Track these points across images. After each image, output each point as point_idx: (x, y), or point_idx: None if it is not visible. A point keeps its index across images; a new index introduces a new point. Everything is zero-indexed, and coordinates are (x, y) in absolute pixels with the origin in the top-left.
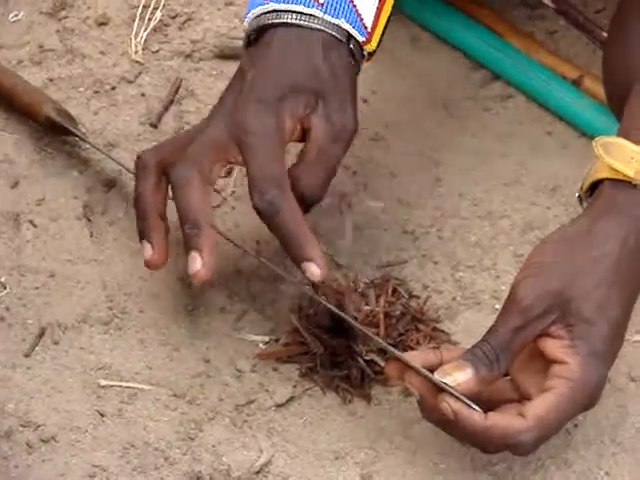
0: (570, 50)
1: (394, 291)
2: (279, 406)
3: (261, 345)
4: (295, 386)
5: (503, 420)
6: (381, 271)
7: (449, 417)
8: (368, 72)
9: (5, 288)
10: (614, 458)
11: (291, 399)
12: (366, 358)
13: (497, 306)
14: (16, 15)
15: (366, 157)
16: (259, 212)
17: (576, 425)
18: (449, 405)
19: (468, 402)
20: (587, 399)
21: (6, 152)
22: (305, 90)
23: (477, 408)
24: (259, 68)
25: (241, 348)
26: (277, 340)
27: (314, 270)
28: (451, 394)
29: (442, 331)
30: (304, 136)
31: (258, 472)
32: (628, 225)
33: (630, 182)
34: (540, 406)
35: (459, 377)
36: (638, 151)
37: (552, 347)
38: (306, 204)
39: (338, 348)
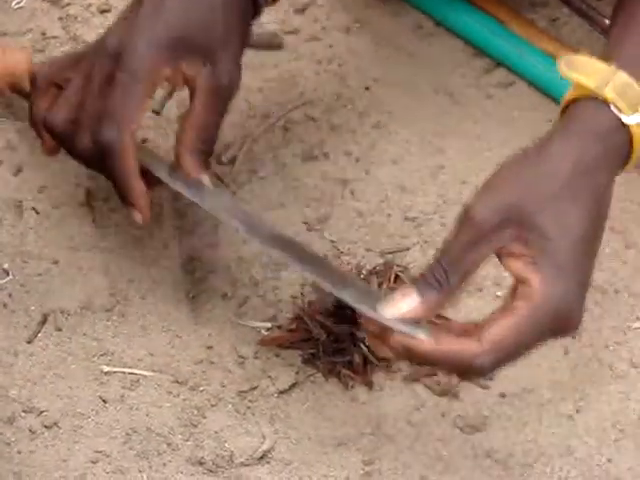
0: (572, 37)
1: (397, 278)
2: (282, 392)
3: (263, 331)
4: (297, 372)
5: (456, 344)
6: (384, 258)
7: (400, 352)
8: (370, 59)
9: (8, 275)
10: (616, 445)
11: (294, 385)
12: (368, 344)
13: (499, 293)
14: (19, 2)
15: (368, 144)
16: (95, 147)
17: (578, 411)
18: (395, 341)
19: (410, 332)
20: (553, 321)
21: (8, 139)
22: (195, 45)
23: (422, 336)
24: (157, 5)
25: (243, 334)
26: (279, 326)
27: (136, 216)
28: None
29: (444, 317)
30: (189, 85)
31: (261, 458)
32: (586, 140)
33: (594, 98)
34: (497, 328)
35: (403, 306)
36: (602, 67)
37: (515, 266)
38: (200, 157)
39: (340, 334)
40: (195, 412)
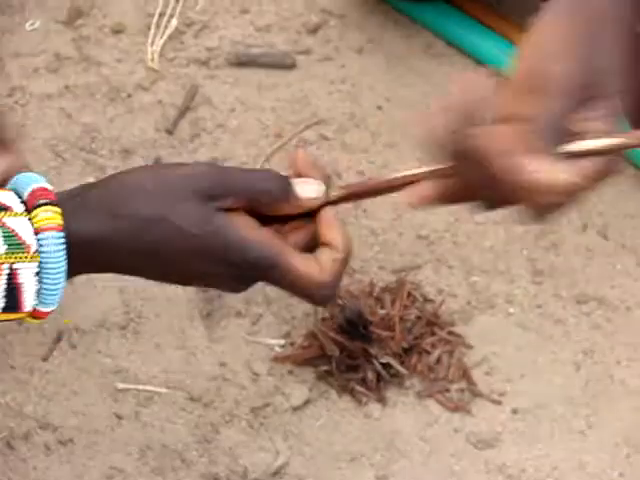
0: None
1: (409, 295)
2: (295, 409)
3: (277, 348)
4: (311, 389)
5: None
6: (396, 275)
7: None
8: (382, 79)
9: None
10: (627, 460)
11: (307, 402)
12: (382, 361)
13: (511, 310)
14: (32, 24)
15: (381, 163)
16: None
17: (590, 427)
18: None
19: None
20: None
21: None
22: None
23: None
24: None
25: (257, 351)
26: (292, 343)
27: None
28: None
29: (457, 335)
30: None
31: (275, 474)
32: None
33: None
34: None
35: None
36: None
37: None
38: None
39: (354, 351)
40: (209, 428)
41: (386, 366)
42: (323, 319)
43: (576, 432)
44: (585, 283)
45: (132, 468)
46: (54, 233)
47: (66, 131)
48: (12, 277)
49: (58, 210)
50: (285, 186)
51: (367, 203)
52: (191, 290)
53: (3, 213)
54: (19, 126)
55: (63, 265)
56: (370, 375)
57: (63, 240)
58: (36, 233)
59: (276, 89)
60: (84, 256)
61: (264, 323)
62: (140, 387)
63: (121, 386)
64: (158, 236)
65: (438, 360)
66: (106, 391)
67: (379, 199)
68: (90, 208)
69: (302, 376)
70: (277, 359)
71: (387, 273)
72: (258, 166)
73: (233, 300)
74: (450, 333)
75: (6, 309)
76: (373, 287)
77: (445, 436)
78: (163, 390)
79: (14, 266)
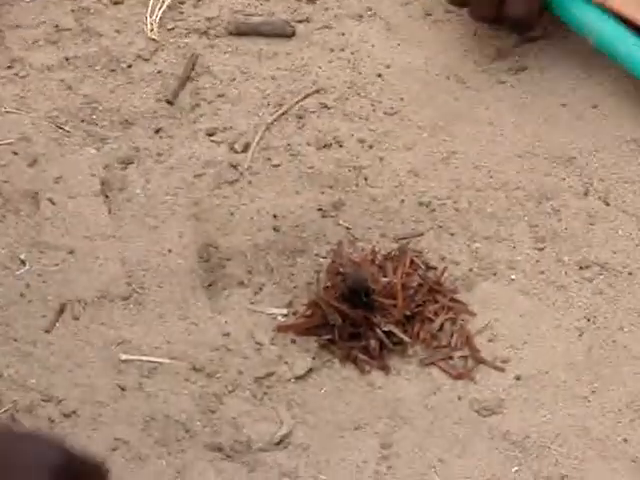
0: None
1: (411, 263)
2: (298, 378)
3: (279, 318)
4: (314, 358)
5: None
6: (398, 243)
7: None
8: (382, 46)
9: (25, 265)
10: (631, 425)
11: (310, 371)
12: (384, 329)
13: (513, 276)
14: None
15: (381, 131)
16: None
17: (593, 392)
18: None
19: None
20: None
21: (23, 131)
22: None
23: None
24: None
25: (260, 321)
26: (295, 313)
27: None
28: None
29: (460, 302)
30: None
31: (278, 443)
32: None
33: None
34: None
35: None
36: None
37: None
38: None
39: (356, 319)
40: (213, 399)
41: (389, 334)
42: (325, 288)
43: (579, 398)
44: (587, 249)
45: (136, 439)
46: None
47: (66, 102)
48: None
49: None
50: None
51: (367, 171)
52: (193, 260)
53: None
54: (19, 98)
55: None
56: (373, 343)
57: None
58: None
59: (276, 58)
60: None
61: (266, 292)
62: (143, 358)
63: (124, 357)
64: None
65: (441, 327)
66: (109, 363)
67: (380, 167)
68: None
69: (305, 345)
70: (280, 328)
71: (389, 241)
72: (259, 135)
73: (235, 270)
74: (453, 300)
75: None
76: (375, 255)
77: (448, 403)
78: (166, 361)
79: None
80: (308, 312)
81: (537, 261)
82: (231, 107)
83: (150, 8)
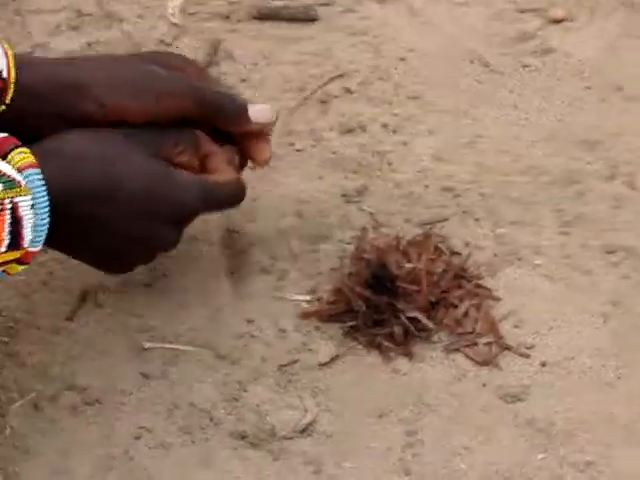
0: None
1: (436, 248)
2: (322, 365)
3: (303, 304)
4: (338, 345)
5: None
6: (422, 228)
7: None
8: (405, 30)
9: (47, 252)
10: None
11: (334, 358)
12: (409, 315)
13: (538, 262)
14: None
15: (405, 115)
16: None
17: (619, 378)
18: None
19: None
20: None
21: None
22: None
23: None
24: None
25: (283, 308)
26: (319, 299)
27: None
28: None
29: (484, 287)
30: None
31: (303, 431)
32: None
33: None
34: None
35: None
36: None
37: None
38: None
39: (381, 306)
40: (237, 386)
41: (413, 320)
42: (349, 274)
43: (605, 384)
44: (613, 233)
45: (160, 427)
46: (33, 170)
47: None
48: (14, 211)
49: (28, 151)
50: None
51: (391, 156)
52: (216, 247)
53: None
54: None
55: (47, 200)
56: (397, 330)
57: (42, 176)
58: (19, 171)
59: (298, 42)
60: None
61: (290, 279)
62: (167, 346)
63: (147, 345)
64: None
65: (465, 314)
66: (132, 350)
67: (403, 151)
68: (55, 154)
69: (329, 332)
70: (304, 315)
71: (413, 226)
72: (281, 120)
73: (258, 256)
74: (477, 286)
75: (9, 246)
76: (399, 241)
77: (473, 390)
78: (190, 348)
79: (15, 200)
80: (332, 299)
81: (562, 246)
82: (254, 92)
83: None
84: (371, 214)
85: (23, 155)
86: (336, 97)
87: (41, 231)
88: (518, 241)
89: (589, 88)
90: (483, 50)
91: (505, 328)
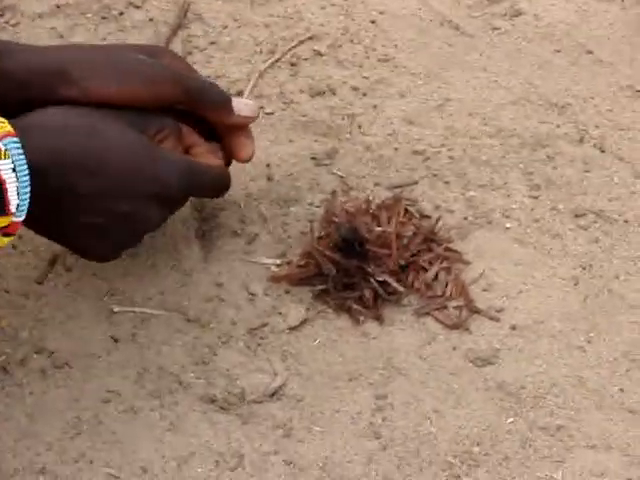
0: None
1: (405, 212)
2: (292, 329)
3: (273, 268)
4: (308, 308)
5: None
6: (392, 192)
7: None
8: None
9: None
10: (628, 375)
11: (304, 321)
12: (379, 279)
13: (508, 225)
14: None
15: (375, 78)
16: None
17: (589, 342)
18: None
19: None
20: None
21: None
22: None
23: None
24: None
25: (253, 271)
26: (289, 263)
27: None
28: None
29: (454, 251)
30: None
31: (272, 395)
32: None
33: None
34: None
35: None
36: None
37: None
38: None
39: (350, 269)
40: (206, 350)
41: (383, 284)
42: (319, 238)
43: (575, 348)
44: (582, 196)
45: (129, 391)
46: (11, 138)
47: None
48: None
49: (5, 121)
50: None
51: (361, 119)
52: (186, 210)
53: None
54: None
55: (26, 166)
56: (367, 293)
57: (20, 145)
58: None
59: (268, 5)
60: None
61: (260, 243)
62: (136, 309)
63: (117, 308)
64: (106, 143)
65: (435, 277)
66: (102, 314)
67: (374, 114)
68: (37, 125)
69: (299, 295)
70: (273, 279)
71: (383, 190)
72: (251, 83)
73: (228, 220)
74: (447, 249)
75: None
76: (369, 204)
77: (443, 354)
78: (159, 312)
79: None
80: (302, 262)
81: (532, 209)
82: (223, 55)
83: None
84: (341, 177)
85: (0, 125)
86: (306, 60)
87: (24, 198)
88: (488, 204)
89: (559, 51)
90: (453, 13)
91: (475, 291)
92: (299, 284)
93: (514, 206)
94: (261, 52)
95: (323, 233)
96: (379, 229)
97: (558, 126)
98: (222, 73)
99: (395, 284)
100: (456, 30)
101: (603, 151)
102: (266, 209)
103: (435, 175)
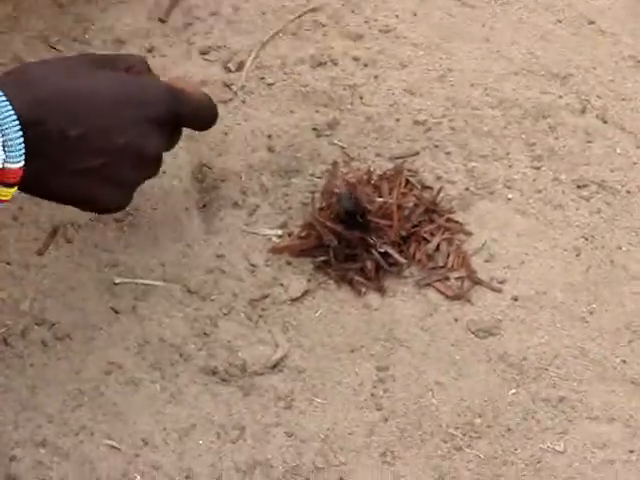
0: None
1: (407, 182)
2: (294, 300)
3: (274, 239)
4: (309, 280)
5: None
6: (393, 162)
7: None
8: None
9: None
10: (630, 345)
11: (306, 293)
12: (380, 250)
13: (510, 195)
14: None
15: (376, 49)
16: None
17: (592, 313)
18: None
19: None
20: None
21: (15, 51)
22: None
23: None
24: None
25: (254, 243)
26: (290, 234)
27: None
28: None
29: (456, 222)
30: None
31: (274, 366)
32: None
33: None
34: None
35: None
36: None
37: None
38: None
39: (352, 241)
40: (207, 322)
41: (385, 255)
42: (320, 209)
43: (577, 319)
44: (585, 167)
45: (130, 363)
46: None
47: (58, 21)
48: None
49: None
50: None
51: (362, 89)
52: (187, 182)
53: None
54: (11, 18)
55: (14, 115)
56: (369, 265)
57: (5, 97)
58: None
59: None
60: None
61: (261, 214)
62: (137, 281)
63: (118, 280)
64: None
65: (437, 248)
66: (103, 285)
67: (374, 84)
68: (17, 77)
69: (300, 267)
70: (275, 250)
71: (384, 160)
72: (253, 54)
73: (229, 191)
74: (449, 220)
75: None
76: (370, 175)
77: (445, 325)
78: (160, 283)
79: None
80: (303, 233)
81: (534, 180)
82: (225, 26)
83: None
84: (342, 148)
85: None
86: (307, 30)
87: (18, 148)
88: (489, 175)
89: (560, 21)
90: None
91: (477, 262)
92: (300, 255)
93: (516, 177)
94: (263, 23)
95: (324, 204)
96: (380, 200)
97: (560, 96)
98: (223, 44)
99: (396, 255)
100: (458, 1)
101: (605, 121)
102: (267, 180)
103: (436, 146)
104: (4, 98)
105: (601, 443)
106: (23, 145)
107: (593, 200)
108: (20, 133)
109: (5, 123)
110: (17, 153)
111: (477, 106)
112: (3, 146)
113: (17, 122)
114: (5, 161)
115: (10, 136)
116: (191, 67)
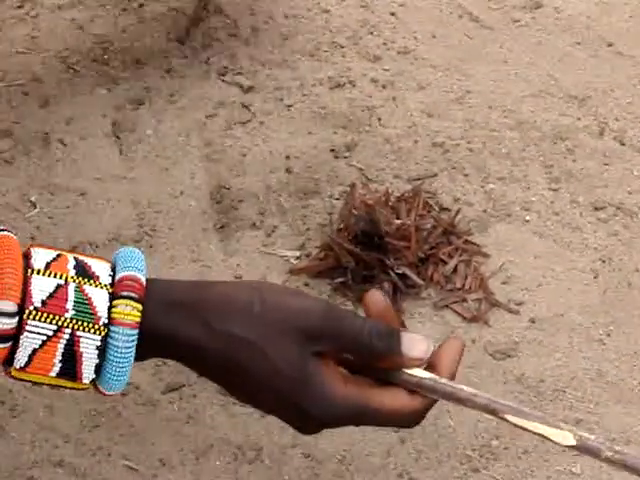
0: None
1: (425, 204)
2: None
3: (292, 260)
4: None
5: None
6: (411, 184)
7: None
8: None
9: (35, 207)
10: None
11: None
12: (398, 272)
13: (527, 217)
14: None
15: (395, 70)
16: None
17: (609, 335)
18: None
19: None
20: None
21: (34, 71)
22: None
23: None
24: None
25: (272, 264)
26: (308, 255)
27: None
28: None
29: (473, 243)
30: None
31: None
32: None
33: None
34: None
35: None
36: None
37: None
38: None
39: (369, 262)
40: None
41: (402, 277)
42: (338, 230)
43: (595, 341)
44: (602, 189)
45: (147, 384)
46: (128, 330)
47: (78, 43)
48: (72, 344)
49: (139, 307)
50: (392, 344)
51: (380, 111)
52: (205, 202)
53: (87, 280)
54: (30, 38)
55: (129, 359)
56: (386, 286)
57: (134, 337)
58: (111, 323)
59: None
60: (160, 347)
61: (279, 235)
62: None
63: None
64: (246, 361)
65: (455, 270)
66: None
67: (393, 105)
68: (183, 310)
69: (318, 288)
70: (293, 271)
71: (402, 182)
72: (267, 72)
73: (247, 212)
74: (466, 242)
75: (63, 375)
76: (388, 196)
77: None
78: None
79: (77, 333)
80: (321, 254)
81: (552, 202)
82: (243, 47)
83: None
84: (360, 170)
85: (129, 310)
86: (326, 52)
87: (115, 381)
88: (507, 197)
89: (579, 43)
90: (473, 5)
91: (494, 284)
92: (318, 276)
93: (534, 199)
94: (281, 45)
95: (342, 225)
96: (398, 222)
97: (578, 119)
98: (241, 65)
99: (414, 277)
100: (476, 22)
101: (623, 144)
102: (285, 201)
103: (454, 168)
104: (131, 349)
105: None
106: (123, 383)
107: (611, 222)
108: (125, 377)
109: (115, 365)
110: (114, 386)
111: (495, 128)
112: (99, 371)
113: (127, 368)
114: (99, 384)
115: (112, 375)
116: (209, 88)
